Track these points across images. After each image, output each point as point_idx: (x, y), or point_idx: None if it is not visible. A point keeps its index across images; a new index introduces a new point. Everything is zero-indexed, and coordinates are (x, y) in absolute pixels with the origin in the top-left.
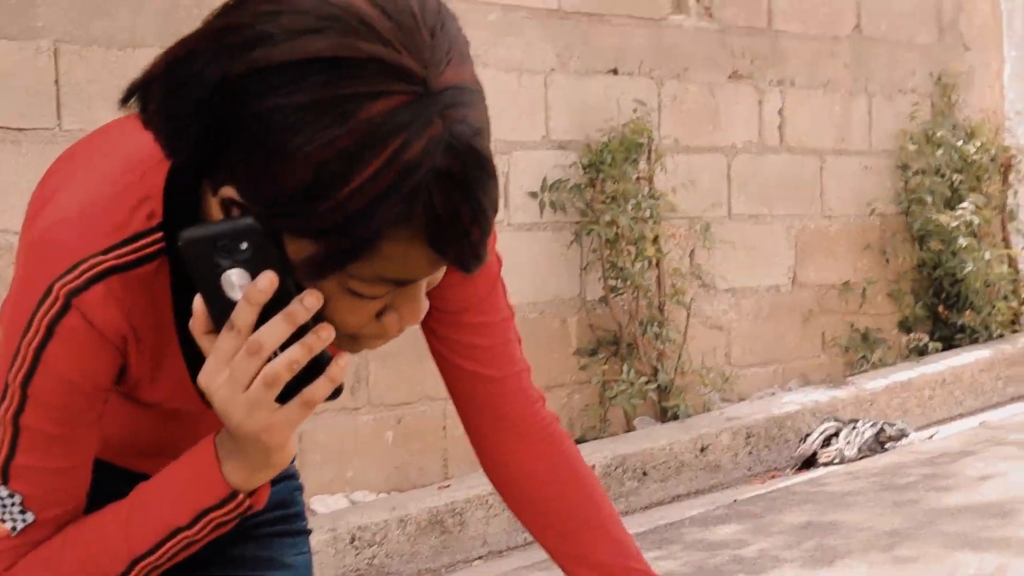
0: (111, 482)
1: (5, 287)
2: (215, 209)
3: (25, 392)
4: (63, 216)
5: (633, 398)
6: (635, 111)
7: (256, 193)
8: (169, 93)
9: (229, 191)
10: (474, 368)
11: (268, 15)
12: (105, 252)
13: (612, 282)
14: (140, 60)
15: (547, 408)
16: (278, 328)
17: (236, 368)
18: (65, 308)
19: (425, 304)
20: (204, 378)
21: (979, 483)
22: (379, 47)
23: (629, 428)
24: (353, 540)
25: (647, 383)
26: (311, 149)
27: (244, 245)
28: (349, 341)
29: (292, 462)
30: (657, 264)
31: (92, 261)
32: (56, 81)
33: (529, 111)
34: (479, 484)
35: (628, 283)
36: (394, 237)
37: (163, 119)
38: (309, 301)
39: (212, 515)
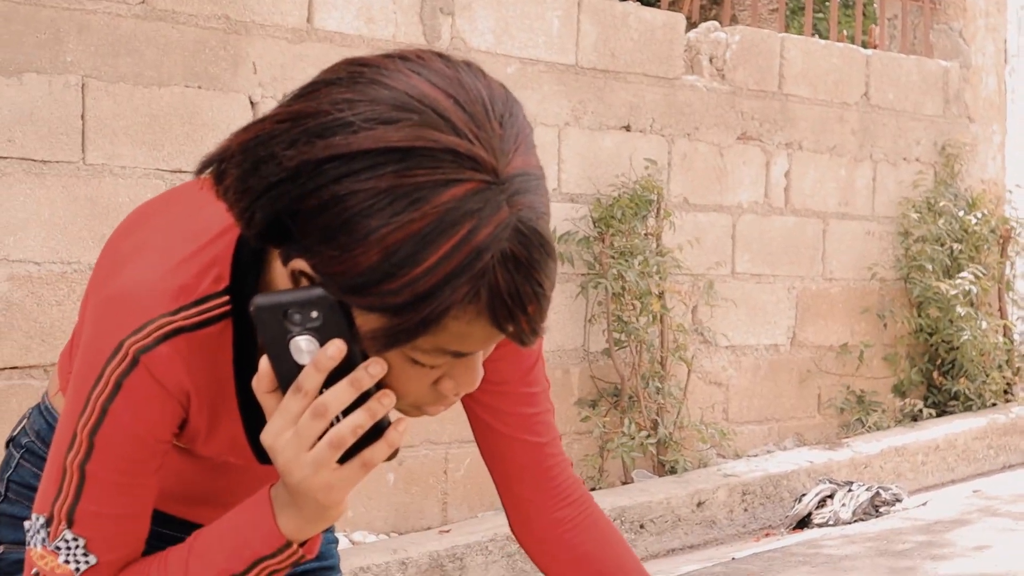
0: (162, 528)
1: (26, 319)
2: (281, 277)
3: (92, 442)
4: (138, 277)
5: (633, 451)
6: (647, 168)
7: (328, 269)
8: (246, 172)
9: (300, 263)
10: (513, 433)
11: (346, 103)
12: (174, 313)
13: (616, 335)
14: (165, 98)
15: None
16: (343, 393)
17: (302, 429)
18: (134, 364)
19: (480, 373)
20: (269, 437)
21: (974, 552)
22: (453, 138)
23: (627, 480)
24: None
25: (647, 436)
26: (386, 232)
27: (315, 314)
28: (409, 407)
29: None
30: (661, 319)
31: (161, 321)
32: (82, 116)
33: (542, 163)
34: (479, 530)
35: (632, 337)
36: (460, 316)
37: (238, 195)
38: (374, 369)
39: (266, 563)
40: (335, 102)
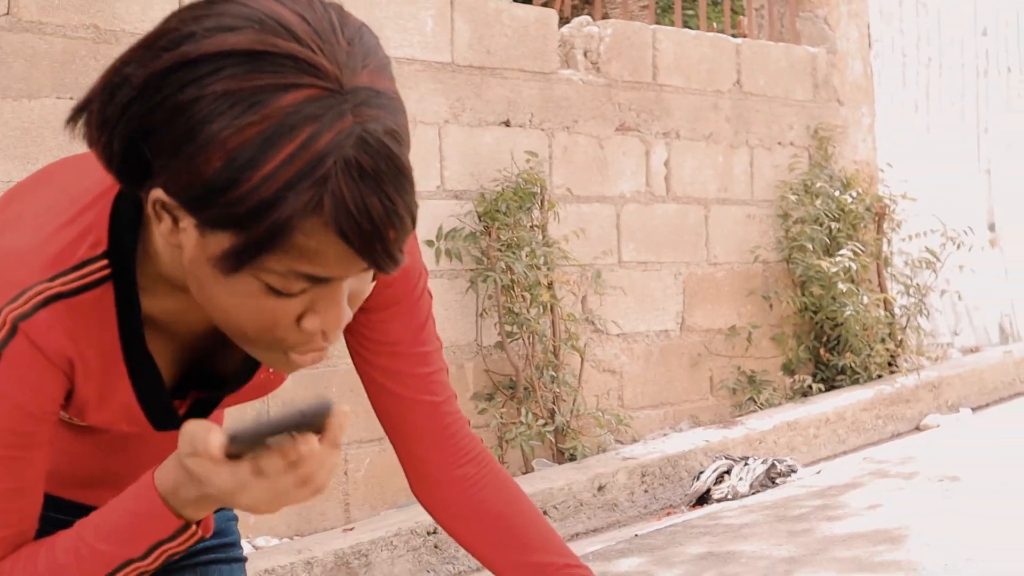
0: (56, 513)
1: None
2: (155, 230)
3: None
4: (11, 248)
5: (531, 440)
6: (528, 161)
7: (178, 186)
8: (103, 103)
9: (158, 193)
10: (410, 394)
11: (193, 19)
12: (51, 280)
13: (508, 328)
14: (36, 110)
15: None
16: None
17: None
18: (12, 332)
19: (347, 311)
20: (247, 504)
21: (867, 512)
22: (295, 45)
23: (527, 470)
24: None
25: (545, 425)
26: (226, 135)
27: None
28: (280, 357)
29: None
30: (551, 310)
31: (39, 288)
32: None
33: (424, 161)
34: (383, 526)
35: (523, 329)
36: (305, 228)
37: (98, 130)
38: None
39: (165, 546)
40: (183, 20)
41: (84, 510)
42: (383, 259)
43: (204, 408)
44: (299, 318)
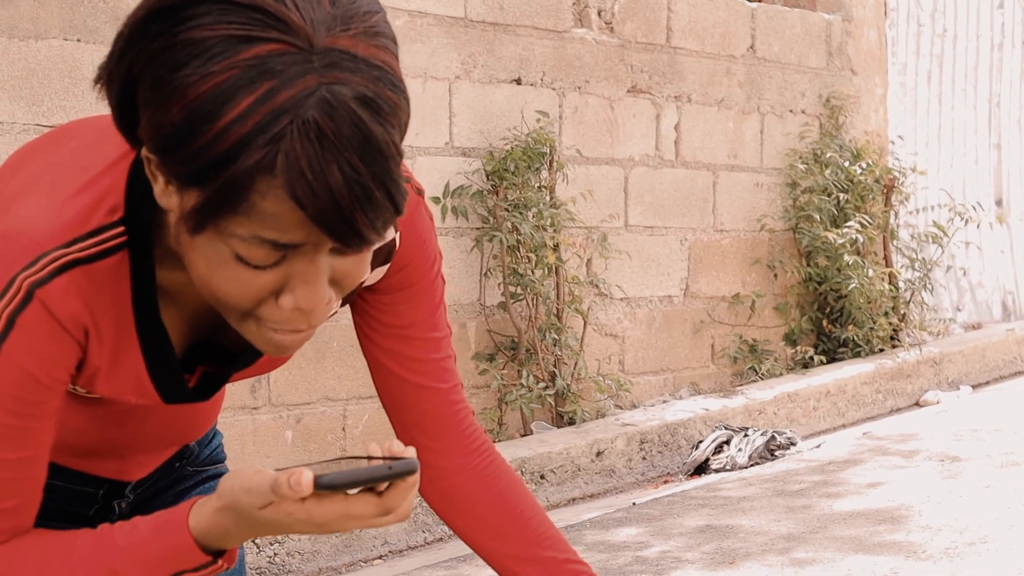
0: (58, 480)
1: None
2: (156, 185)
3: None
4: (28, 214)
5: (531, 402)
6: (538, 121)
7: (153, 140)
8: (109, 59)
9: (146, 149)
10: (418, 380)
11: None
12: (68, 245)
13: (512, 288)
14: (43, 51)
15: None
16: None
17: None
18: (27, 299)
19: (326, 291)
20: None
21: (867, 490)
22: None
23: (526, 432)
24: (255, 538)
25: (545, 388)
26: (189, 83)
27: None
28: (262, 335)
29: None
30: (556, 272)
31: (55, 254)
32: None
33: (433, 117)
34: None
35: (527, 290)
36: (260, 189)
37: (106, 84)
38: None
39: (186, 575)
40: None
41: (84, 478)
42: (345, 232)
43: (213, 383)
44: (277, 296)
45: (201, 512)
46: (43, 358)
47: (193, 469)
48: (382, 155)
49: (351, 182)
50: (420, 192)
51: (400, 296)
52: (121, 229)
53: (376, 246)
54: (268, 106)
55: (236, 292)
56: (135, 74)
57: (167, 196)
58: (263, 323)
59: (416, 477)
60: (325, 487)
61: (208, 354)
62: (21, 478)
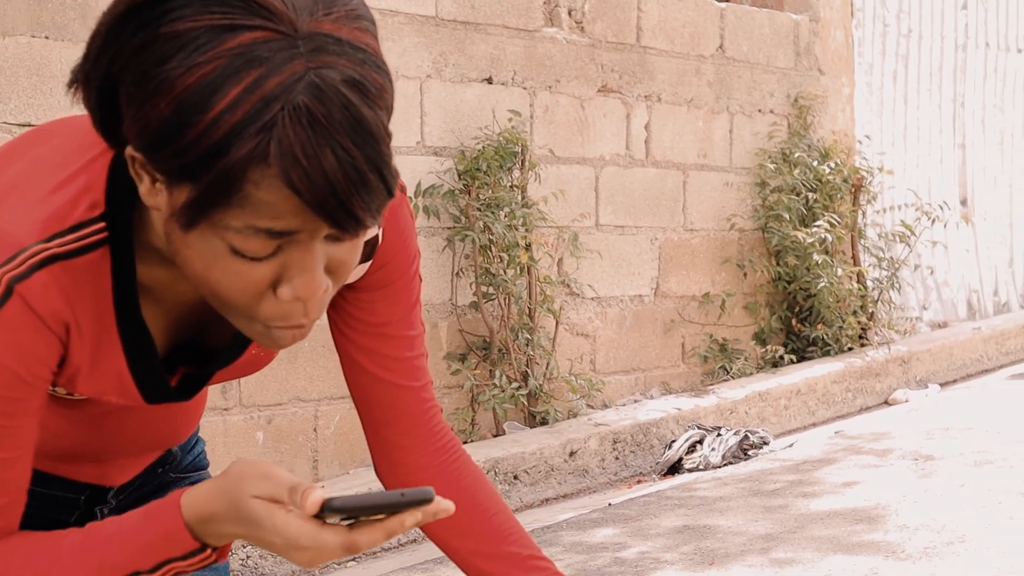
0: (41, 488)
1: None
2: (141, 193)
3: None
4: (7, 209)
5: (504, 402)
6: (510, 120)
7: (140, 137)
8: (84, 57)
9: (131, 148)
10: (390, 378)
11: None
12: (48, 240)
13: (484, 288)
14: (10, 48)
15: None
16: (376, 537)
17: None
18: (8, 294)
19: (323, 279)
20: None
21: (843, 489)
22: None
23: (499, 432)
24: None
25: (518, 388)
26: (175, 76)
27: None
28: (261, 330)
29: None
30: (528, 271)
31: (35, 248)
32: None
33: (404, 116)
34: (352, 486)
35: (500, 290)
36: (255, 179)
37: (84, 85)
38: (409, 520)
39: (174, 564)
40: None
41: (65, 484)
42: (342, 217)
43: (194, 384)
44: (275, 288)
45: (194, 495)
46: (24, 354)
47: (176, 475)
48: (373, 137)
49: (345, 166)
50: (403, 189)
51: (379, 294)
52: (102, 225)
53: (368, 236)
54: (257, 94)
55: (234, 287)
56: (116, 72)
57: (154, 195)
58: (262, 318)
59: (433, 506)
60: (335, 510)
61: (189, 355)
62: (5, 479)
